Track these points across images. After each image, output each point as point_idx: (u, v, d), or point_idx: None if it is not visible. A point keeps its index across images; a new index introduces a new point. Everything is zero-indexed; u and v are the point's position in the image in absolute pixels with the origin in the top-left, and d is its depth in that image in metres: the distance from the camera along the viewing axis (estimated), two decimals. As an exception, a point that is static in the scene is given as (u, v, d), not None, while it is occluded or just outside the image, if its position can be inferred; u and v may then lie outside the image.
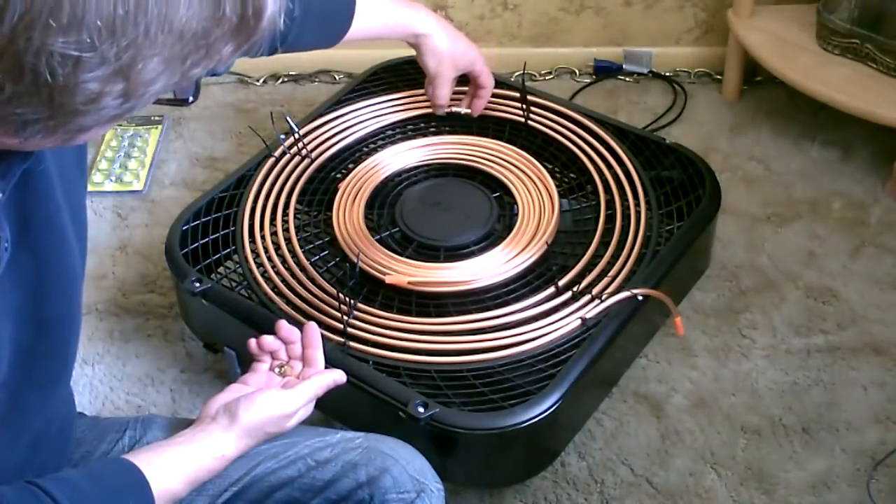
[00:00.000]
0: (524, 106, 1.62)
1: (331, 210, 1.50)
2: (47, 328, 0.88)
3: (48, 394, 0.93)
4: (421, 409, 1.21)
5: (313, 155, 1.57)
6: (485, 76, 1.55)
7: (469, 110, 1.60)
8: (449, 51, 1.47)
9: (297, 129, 1.57)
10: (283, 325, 1.12)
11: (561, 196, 1.50)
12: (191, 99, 0.77)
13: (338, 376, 1.09)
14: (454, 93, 1.57)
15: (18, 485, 0.83)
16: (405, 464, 1.05)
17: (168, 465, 0.92)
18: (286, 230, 1.47)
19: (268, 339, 1.11)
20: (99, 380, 1.57)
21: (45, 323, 0.87)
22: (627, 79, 2.09)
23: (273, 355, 1.12)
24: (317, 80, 2.13)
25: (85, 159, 0.93)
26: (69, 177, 0.87)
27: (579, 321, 1.31)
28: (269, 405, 1.00)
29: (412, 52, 1.50)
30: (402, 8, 1.43)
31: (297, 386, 1.04)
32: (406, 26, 1.44)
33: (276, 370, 1.11)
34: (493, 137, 1.60)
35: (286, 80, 2.12)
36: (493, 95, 1.61)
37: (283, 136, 1.57)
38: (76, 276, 0.90)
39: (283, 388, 1.06)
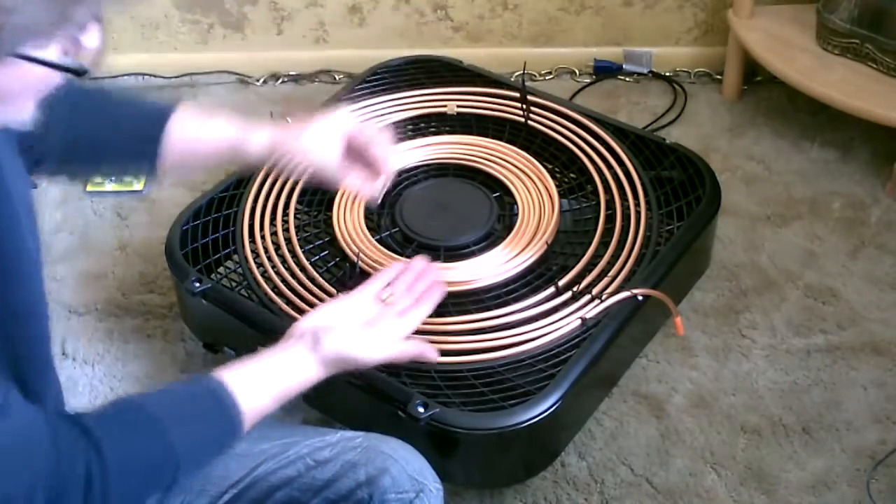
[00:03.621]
0: (524, 106, 1.62)
1: (331, 210, 1.50)
2: (17, 316, 0.87)
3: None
4: (421, 409, 1.21)
5: (313, 155, 1.57)
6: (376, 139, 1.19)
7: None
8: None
9: (297, 129, 1.57)
10: (416, 265, 1.18)
11: (561, 196, 1.50)
12: (86, 71, 0.76)
13: (428, 352, 1.15)
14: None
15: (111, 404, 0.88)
16: (404, 464, 1.04)
17: (254, 382, 0.96)
18: (286, 230, 1.46)
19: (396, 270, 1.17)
20: (99, 380, 1.57)
21: (13, 310, 0.87)
22: (627, 79, 2.09)
23: (391, 283, 1.16)
24: (317, 80, 2.12)
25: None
26: (14, 165, 0.88)
27: (579, 321, 1.31)
28: (349, 342, 1.05)
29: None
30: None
31: (379, 325, 1.09)
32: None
33: (384, 297, 1.14)
34: (493, 137, 1.60)
35: (286, 80, 2.12)
36: (494, 95, 1.61)
37: (283, 136, 1.56)
38: (33, 259, 0.90)
39: (370, 323, 1.09)
